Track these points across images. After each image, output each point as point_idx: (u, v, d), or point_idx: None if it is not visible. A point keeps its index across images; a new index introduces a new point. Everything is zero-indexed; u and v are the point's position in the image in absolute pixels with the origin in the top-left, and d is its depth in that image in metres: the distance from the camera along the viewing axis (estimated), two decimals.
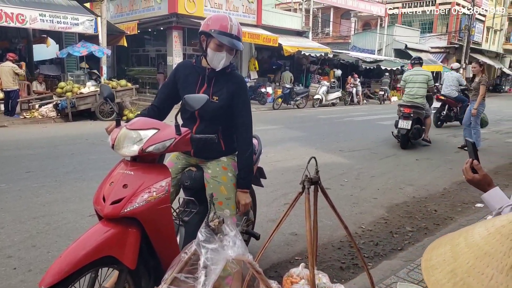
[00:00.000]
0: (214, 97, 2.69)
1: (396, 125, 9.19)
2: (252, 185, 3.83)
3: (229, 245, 1.52)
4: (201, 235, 1.47)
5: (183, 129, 2.44)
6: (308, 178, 2.06)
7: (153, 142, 2.41)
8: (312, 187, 2.16)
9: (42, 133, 10.35)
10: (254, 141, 3.68)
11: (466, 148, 9.19)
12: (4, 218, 4.53)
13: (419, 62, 9.23)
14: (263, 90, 19.41)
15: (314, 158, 2.19)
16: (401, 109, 9.02)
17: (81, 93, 13.07)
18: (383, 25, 30.12)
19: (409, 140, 9.19)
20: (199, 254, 1.44)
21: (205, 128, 2.76)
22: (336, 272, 3.60)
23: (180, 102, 2.55)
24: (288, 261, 3.79)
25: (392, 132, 9.65)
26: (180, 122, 2.50)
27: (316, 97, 20.11)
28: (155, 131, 2.44)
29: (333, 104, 21.17)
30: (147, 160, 2.49)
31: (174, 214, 2.89)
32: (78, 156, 7.61)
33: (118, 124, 2.59)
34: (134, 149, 2.42)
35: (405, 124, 8.84)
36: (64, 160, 7.26)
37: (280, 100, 18.53)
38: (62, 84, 13.60)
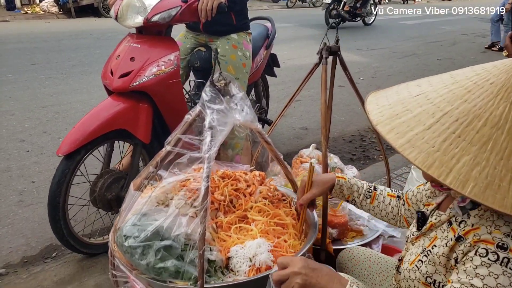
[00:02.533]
0: None
1: None
2: (266, 75, 3.66)
3: (236, 108, 1.38)
4: (205, 94, 1.32)
5: None
6: (326, 47, 1.85)
7: (158, 10, 2.18)
8: (331, 58, 1.94)
9: (45, 28, 9.93)
10: (267, 23, 3.37)
11: (494, 48, 8.53)
12: (14, 106, 4.50)
13: None
14: None
15: (335, 24, 1.93)
16: None
17: None
18: None
19: None
20: (204, 115, 1.31)
21: None
22: (346, 163, 3.58)
23: None
24: (297, 152, 3.76)
25: None
26: None
27: None
28: None
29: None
30: (153, 32, 2.29)
31: (187, 96, 2.79)
32: (83, 50, 7.34)
33: None
34: (139, 20, 2.21)
35: None
36: (69, 54, 7.02)
37: None
38: None
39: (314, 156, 2.13)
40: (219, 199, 1.56)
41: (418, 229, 1.12)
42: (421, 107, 0.89)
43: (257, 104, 3.46)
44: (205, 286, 1.17)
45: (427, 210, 1.15)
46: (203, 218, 1.19)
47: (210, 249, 1.32)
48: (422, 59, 7.81)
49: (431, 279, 0.97)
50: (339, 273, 1.07)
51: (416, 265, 1.02)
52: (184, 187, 1.55)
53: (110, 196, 2.21)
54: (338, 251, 1.70)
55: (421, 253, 1.03)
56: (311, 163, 1.42)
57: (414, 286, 1.03)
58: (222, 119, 1.33)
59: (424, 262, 1.00)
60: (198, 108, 1.34)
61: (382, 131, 0.89)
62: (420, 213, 1.13)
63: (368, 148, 3.89)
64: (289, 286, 0.95)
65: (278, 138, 4.06)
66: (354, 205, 1.45)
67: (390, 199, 1.40)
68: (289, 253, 1.39)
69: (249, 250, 1.28)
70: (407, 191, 1.39)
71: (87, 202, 2.25)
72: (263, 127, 3.64)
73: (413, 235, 1.15)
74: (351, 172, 2.19)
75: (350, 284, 0.94)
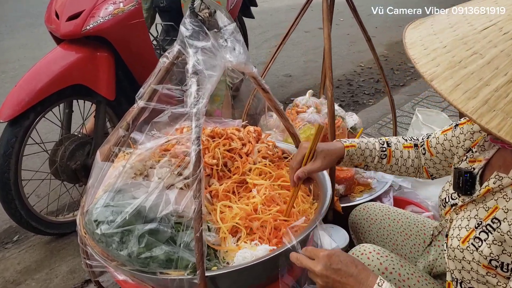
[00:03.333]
0: None
1: None
2: (243, 17, 3.29)
3: (227, 46, 1.06)
4: (185, 28, 0.99)
5: None
6: None
7: None
8: None
9: None
10: None
11: None
12: None
13: None
14: None
15: None
16: None
17: None
18: None
19: None
20: (186, 57, 0.98)
21: None
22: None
23: None
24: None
25: None
26: None
27: None
28: None
29: None
30: None
31: (154, 43, 2.42)
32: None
33: None
34: None
35: None
36: (13, 4, 6.20)
37: None
38: None
39: (312, 104, 1.85)
40: (211, 163, 1.28)
41: (466, 193, 0.88)
42: (496, 47, 0.61)
43: None
44: (206, 274, 0.92)
45: (473, 168, 0.90)
46: (198, 192, 0.91)
47: (209, 228, 1.06)
48: None
49: (497, 262, 0.75)
50: (365, 265, 0.85)
51: (472, 244, 0.78)
52: (166, 152, 1.25)
53: (74, 165, 1.88)
54: (346, 209, 1.49)
55: (476, 227, 0.79)
56: (319, 125, 1.11)
57: (472, 268, 0.80)
58: (210, 60, 1.01)
59: (485, 240, 0.76)
60: (176, 47, 1.01)
61: (442, 89, 0.63)
62: (467, 174, 0.88)
63: (357, 93, 3.65)
64: (312, 279, 0.86)
65: None
66: (365, 169, 1.19)
67: (408, 152, 1.15)
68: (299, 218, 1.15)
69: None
70: (427, 139, 1.14)
71: (48, 175, 1.92)
72: (241, 82, 3.32)
73: (452, 199, 0.92)
74: (352, 119, 1.94)
75: (378, 283, 0.80)
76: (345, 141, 1.14)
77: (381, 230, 1.30)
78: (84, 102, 2.07)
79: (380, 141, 1.16)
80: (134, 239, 0.94)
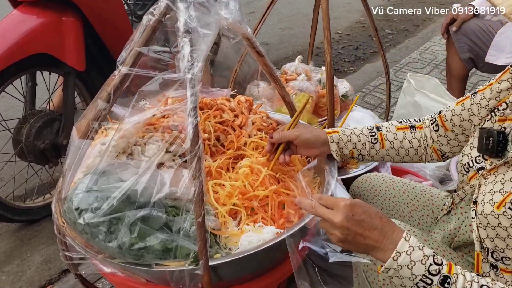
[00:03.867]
0: None
1: None
2: None
3: (222, 1, 0.91)
4: None
5: None
6: None
7: None
8: None
9: None
10: None
11: None
12: None
13: None
14: None
15: None
16: None
17: None
18: None
19: None
20: (176, 13, 0.84)
21: None
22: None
23: None
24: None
25: None
26: None
27: None
28: None
29: None
30: None
31: (126, 7, 2.19)
32: None
33: None
34: None
35: None
36: None
37: None
38: None
39: (301, 71, 1.73)
40: (202, 137, 1.14)
41: (498, 155, 0.81)
42: None
43: None
44: (211, 263, 0.82)
45: (503, 128, 0.83)
46: (197, 171, 0.79)
47: (207, 212, 0.94)
48: None
49: None
50: (392, 220, 0.77)
51: (510, 208, 0.72)
52: (153, 126, 1.11)
53: (43, 145, 1.70)
54: (344, 181, 1.41)
55: None
56: (308, 97, 1.03)
57: (509, 235, 0.74)
58: (204, 17, 0.87)
59: None
60: (164, 2, 0.85)
61: None
62: (501, 134, 0.81)
63: (337, 61, 3.54)
64: (327, 232, 0.77)
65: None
66: (363, 160, 1.11)
67: (403, 133, 1.07)
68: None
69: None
70: (439, 114, 1.05)
71: (12, 156, 1.72)
72: (217, 52, 3.13)
73: (477, 163, 0.85)
74: (342, 86, 1.84)
75: (405, 238, 0.72)
76: (327, 129, 1.08)
77: (386, 202, 1.23)
78: (50, 74, 1.87)
79: (369, 127, 1.08)
80: (125, 228, 0.81)
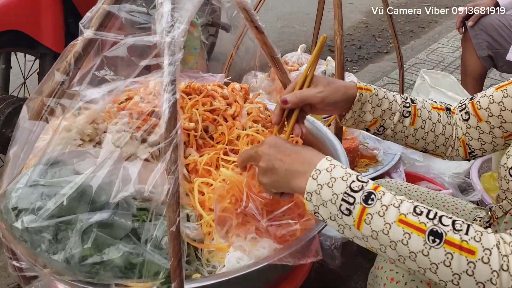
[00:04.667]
0: None
1: None
2: None
3: None
4: None
5: None
6: None
7: None
8: None
9: None
10: None
11: None
12: None
13: None
14: None
15: None
16: None
17: None
18: None
19: None
20: None
21: None
22: None
23: None
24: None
25: None
26: None
27: None
28: None
29: None
30: None
31: None
32: None
33: None
34: None
35: None
36: None
37: None
38: None
39: (304, 61, 1.55)
40: (187, 127, 0.96)
41: None
42: None
43: (209, 5, 2.70)
44: (187, 286, 0.63)
45: None
46: (173, 164, 0.60)
47: (187, 217, 0.76)
48: None
49: None
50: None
51: None
52: (125, 110, 0.92)
53: (12, 133, 1.50)
54: None
55: None
56: (323, 37, 0.78)
57: None
58: None
59: None
60: None
61: None
62: None
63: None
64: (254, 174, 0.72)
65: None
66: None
67: (439, 114, 0.85)
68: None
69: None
70: (471, 100, 0.86)
71: None
72: (216, 35, 2.97)
73: None
74: (349, 80, 1.65)
75: (326, 158, 0.64)
76: (360, 83, 0.82)
77: None
78: (25, 56, 1.70)
79: (402, 96, 0.85)
80: (76, 236, 0.62)
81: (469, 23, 1.85)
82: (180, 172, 0.61)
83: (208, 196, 0.84)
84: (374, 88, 0.82)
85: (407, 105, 0.83)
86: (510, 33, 1.75)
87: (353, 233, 0.59)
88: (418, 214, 0.56)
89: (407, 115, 0.83)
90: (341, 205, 0.59)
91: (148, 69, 0.63)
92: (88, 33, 0.68)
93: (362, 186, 0.59)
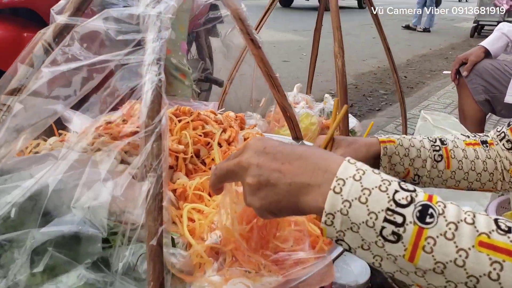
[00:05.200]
0: None
1: None
2: (208, 36, 2.97)
3: None
4: None
5: None
6: None
7: None
8: None
9: None
10: None
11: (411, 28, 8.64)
12: None
13: None
14: None
15: None
16: None
17: None
18: None
19: None
20: None
21: None
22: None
23: None
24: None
25: None
26: None
27: None
28: None
29: None
30: None
31: None
32: None
33: None
34: None
35: None
36: None
37: None
38: None
39: (300, 100, 1.48)
40: (175, 149, 0.84)
41: None
42: None
43: (201, 62, 2.73)
44: None
45: None
46: (155, 159, 0.47)
47: (173, 242, 0.61)
48: (361, 38, 7.63)
49: None
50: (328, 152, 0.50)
51: None
52: (109, 132, 0.81)
53: None
54: None
55: None
56: (336, 100, 0.77)
57: None
58: None
59: None
60: None
61: None
62: None
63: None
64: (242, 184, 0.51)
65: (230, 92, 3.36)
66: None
67: (475, 150, 0.78)
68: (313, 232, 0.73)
69: None
70: (509, 126, 0.78)
71: None
72: (210, 88, 2.95)
73: None
74: (350, 121, 1.58)
75: (348, 160, 0.45)
76: (382, 137, 0.77)
77: None
78: None
79: (430, 138, 0.79)
80: (24, 257, 0.47)
81: (464, 73, 1.84)
82: (164, 169, 0.49)
83: (200, 223, 0.70)
84: (398, 138, 0.76)
85: (437, 148, 0.76)
86: (505, 77, 1.73)
87: (399, 265, 0.41)
88: (506, 232, 0.38)
89: (439, 159, 0.75)
90: (383, 228, 0.40)
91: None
92: (61, 18, 0.59)
93: (411, 197, 0.41)
